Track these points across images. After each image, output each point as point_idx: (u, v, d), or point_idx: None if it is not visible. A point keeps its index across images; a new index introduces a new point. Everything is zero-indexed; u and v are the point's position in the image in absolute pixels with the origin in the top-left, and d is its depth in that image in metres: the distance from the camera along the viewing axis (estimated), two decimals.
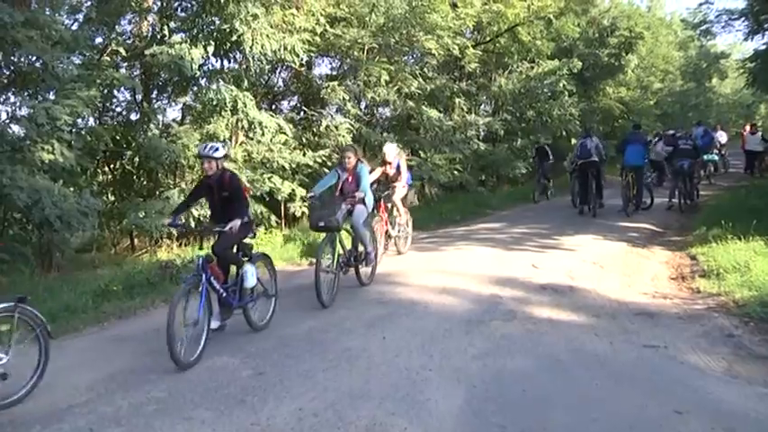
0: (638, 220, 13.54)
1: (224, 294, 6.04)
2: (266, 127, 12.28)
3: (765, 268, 7.56)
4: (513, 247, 11.08)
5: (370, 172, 9.49)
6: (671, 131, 20.04)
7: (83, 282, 8.35)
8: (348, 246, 8.12)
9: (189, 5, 12.81)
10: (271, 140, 12.56)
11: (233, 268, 6.43)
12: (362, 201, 8.03)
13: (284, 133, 12.89)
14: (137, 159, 12.27)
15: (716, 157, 21.56)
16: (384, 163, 10.32)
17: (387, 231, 10.22)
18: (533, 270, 9.05)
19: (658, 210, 14.86)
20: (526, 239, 11.85)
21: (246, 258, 6.42)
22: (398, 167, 10.26)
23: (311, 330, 6.39)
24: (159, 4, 12.60)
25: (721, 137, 23.45)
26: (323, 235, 7.92)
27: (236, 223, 5.89)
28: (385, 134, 16.61)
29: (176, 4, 12.87)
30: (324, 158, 13.40)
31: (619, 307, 7.03)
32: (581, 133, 18.37)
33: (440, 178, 16.33)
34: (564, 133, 21.69)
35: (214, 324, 5.91)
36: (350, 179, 8.17)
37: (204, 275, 5.72)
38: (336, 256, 7.59)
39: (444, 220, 15.38)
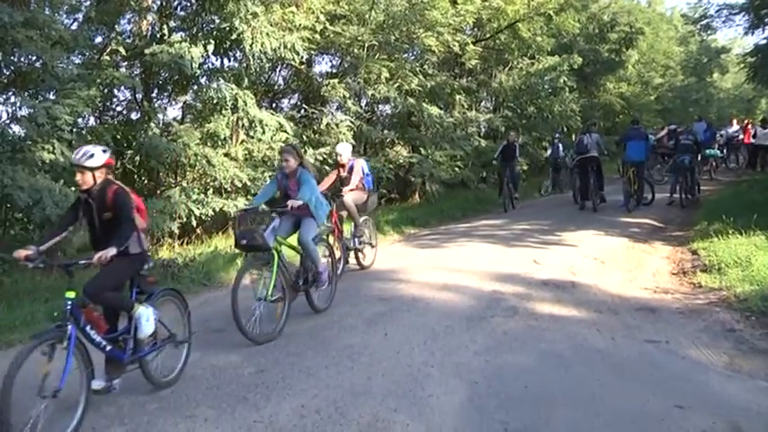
0: (640, 216, 13.54)
1: (107, 348, 4.57)
2: (267, 125, 12.27)
3: (766, 263, 7.56)
4: (514, 243, 11.09)
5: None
6: (672, 126, 20.08)
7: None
8: (296, 265, 7.02)
9: (188, 4, 12.79)
10: (271, 139, 12.54)
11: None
12: (310, 212, 6.82)
13: (285, 131, 12.87)
14: (137, 158, 12.24)
15: (718, 152, 21.52)
16: (338, 165, 9.33)
17: (344, 244, 9.00)
18: (535, 266, 9.06)
19: (659, 205, 14.86)
20: (527, 235, 11.86)
21: (143, 297, 5.00)
22: (352, 170, 9.09)
23: (313, 328, 6.40)
24: (159, 3, 12.55)
25: (735, 130, 23.27)
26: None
27: (108, 253, 4.39)
28: (386, 131, 16.62)
29: (176, 2, 12.83)
30: (325, 156, 13.39)
31: (620, 302, 7.04)
32: (581, 129, 18.37)
33: (441, 175, 16.31)
34: (566, 129, 21.66)
35: (97, 384, 4.43)
36: (292, 186, 6.89)
37: (72, 326, 4.29)
38: (273, 281, 6.25)
39: (445, 217, 15.41)
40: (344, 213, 9.16)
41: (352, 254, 9.29)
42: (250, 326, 5.90)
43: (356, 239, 9.24)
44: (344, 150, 9.31)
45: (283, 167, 6.92)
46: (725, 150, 23.44)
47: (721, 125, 26.44)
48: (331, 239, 8.51)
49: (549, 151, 20.42)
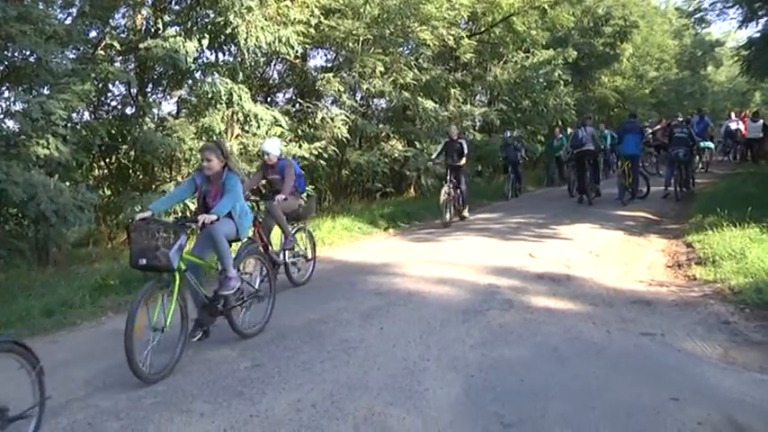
0: (635, 209, 13.58)
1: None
2: (262, 119, 12.25)
3: (760, 255, 7.58)
4: (509, 236, 11.11)
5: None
6: (674, 121, 20.12)
7: (80, 276, 8.36)
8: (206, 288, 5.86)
9: None
10: (266, 133, 12.52)
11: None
12: (233, 222, 5.79)
13: (280, 126, 12.86)
14: (132, 153, 12.22)
15: (711, 144, 21.57)
16: (265, 166, 8.07)
17: (272, 259, 7.51)
18: (530, 259, 9.08)
19: (654, 198, 14.90)
20: (523, 229, 11.89)
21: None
22: (283, 171, 7.85)
23: (309, 322, 6.40)
24: None
25: (736, 124, 23.25)
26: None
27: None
28: (381, 125, 16.62)
29: None
30: (320, 150, 13.38)
31: (616, 295, 7.05)
32: (577, 123, 18.38)
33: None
34: (560, 122, 21.68)
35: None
36: (213, 192, 5.79)
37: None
38: (173, 307, 5.11)
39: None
40: (271, 222, 8.01)
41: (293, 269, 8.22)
42: (143, 361, 4.85)
43: (286, 252, 7.98)
44: (272, 148, 7.99)
45: (204, 168, 5.73)
46: (727, 143, 23.53)
47: (716, 118, 26.45)
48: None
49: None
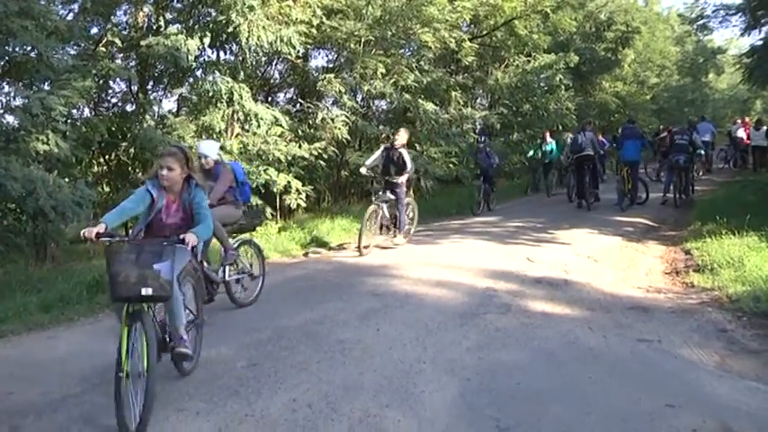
0: (633, 215, 13.58)
1: None
2: (262, 119, 12.26)
3: (759, 263, 7.59)
4: (508, 240, 11.11)
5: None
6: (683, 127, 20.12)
7: (77, 272, 8.34)
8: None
9: None
10: (266, 132, 12.54)
11: None
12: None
13: (280, 125, 12.86)
14: (132, 150, 12.22)
15: (701, 151, 21.58)
16: (203, 171, 6.77)
17: (209, 277, 6.55)
18: (528, 263, 9.07)
19: (653, 204, 14.90)
20: (521, 233, 11.88)
21: None
22: (218, 177, 6.96)
23: (306, 322, 6.39)
24: None
25: (740, 131, 23.23)
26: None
27: None
28: (381, 127, 16.61)
29: None
30: (320, 151, 13.38)
31: (613, 301, 7.05)
32: (576, 128, 18.37)
33: (435, 171, 16.31)
34: (560, 127, 21.68)
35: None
36: (172, 206, 4.92)
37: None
38: (147, 347, 4.15)
39: (439, 214, 15.41)
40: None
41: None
42: (130, 414, 4.00)
43: (226, 269, 6.91)
44: (209, 150, 7.11)
45: (161, 178, 4.80)
46: (729, 150, 23.55)
47: (717, 126, 26.48)
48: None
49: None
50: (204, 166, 6.91)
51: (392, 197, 10.45)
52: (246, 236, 7.51)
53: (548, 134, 19.87)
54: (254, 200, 11.94)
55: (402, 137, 10.87)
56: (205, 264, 6.49)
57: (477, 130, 19.27)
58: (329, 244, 11.28)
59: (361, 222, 10.13)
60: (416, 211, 11.66)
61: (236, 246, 7.07)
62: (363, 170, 10.70)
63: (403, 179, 10.37)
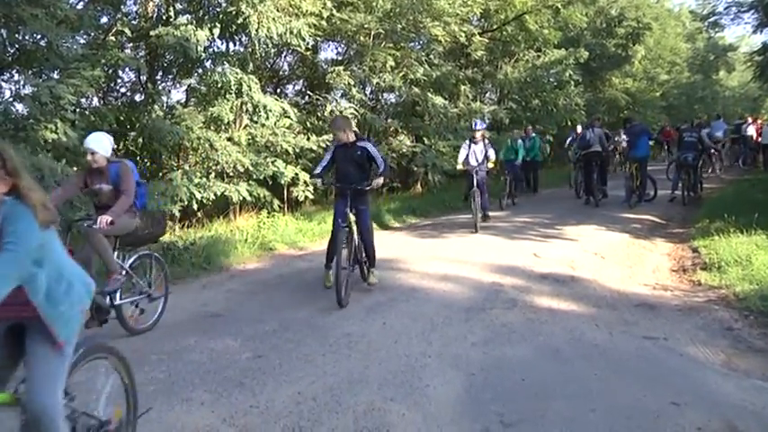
0: (641, 212, 13.54)
1: None
2: (270, 110, 12.25)
3: (766, 262, 7.56)
4: (514, 235, 11.10)
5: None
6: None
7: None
8: None
9: None
10: (275, 124, 12.54)
11: None
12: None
13: (288, 117, 12.86)
14: (140, 140, 12.23)
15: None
16: (89, 170, 5.71)
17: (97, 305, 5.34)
18: (535, 259, 9.06)
19: (661, 202, 14.85)
20: (528, 228, 11.87)
21: None
22: (117, 178, 5.64)
23: (311, 315, 6.41)
24: None
25: (750, 129, 23.15)
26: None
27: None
28: (390, 120, 16.59)
29: None
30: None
31: (619, 298, 7.03)
32: (585, 124, 18.29)
33: (443, 165, 16.28)
34: (569, 123, 21.61)
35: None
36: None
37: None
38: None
39: (447, 208, 15.42)
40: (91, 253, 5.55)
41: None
42: None
43: (112, 293, 5.61)
44: (98, 145, 5.60)
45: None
46: (741, 148, 23.49)
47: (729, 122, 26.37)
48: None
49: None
50: (92, 165, 5.60)
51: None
52: (144, 249, 6.27)
53: (530, 129, 18.87)
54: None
55: (341, 123, 7.66)
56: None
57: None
58: None
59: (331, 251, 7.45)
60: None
61: (132, 261, 5.93)
62: (314, 176, 7.80)
63: (379, 181, 7.48)
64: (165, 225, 6.81)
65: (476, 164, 12.10)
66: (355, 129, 8.12)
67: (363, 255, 7.43)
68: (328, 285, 7.32)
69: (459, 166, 12.41)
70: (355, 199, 7.28)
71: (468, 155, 12.26)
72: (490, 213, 12.84)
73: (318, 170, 7.61)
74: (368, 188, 7.34)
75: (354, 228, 7.23)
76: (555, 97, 20.98)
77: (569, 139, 19.09)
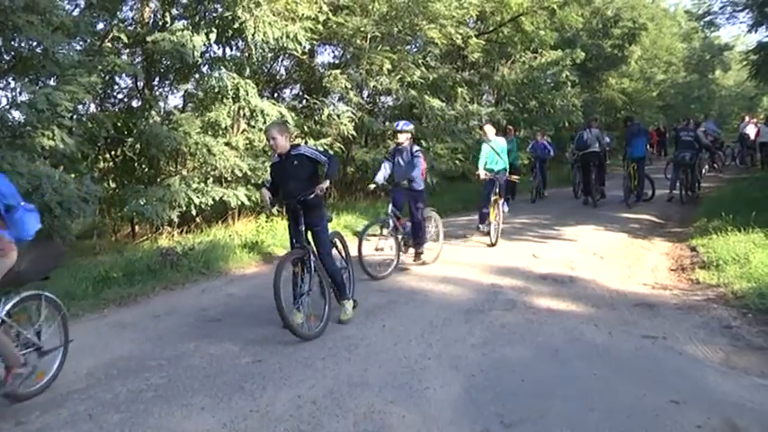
0: (639, 212, 13.55)
1: None
2: (268, 115, 12.24)
3: (764, 260, 7.56)
4: (513, 236, 11.10)
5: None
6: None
7: (83, 268, 8.38)
8: None
9: None
10: None
11: None
12: None
13: (286, 121, 12.86)
14: (138, 146, 12.22)
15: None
16: None
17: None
18: (534, 260, 9.07)
19: (659, 201, 14.86)
20: (527, 229, 11.88)
21: None
22: None
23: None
24: None
25: (749, 129, 23.16)
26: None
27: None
28: (387, 123, 16.58)
29: None
30: (326, 147, 13.37)
31: (618, 297, 7.04)
32: (582, 125, 18.28)
33: (441, 167, 16.26)
34: (566, 124, 21.60)
35: None
36: None
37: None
38: None
39: (445, 210, 15.37)
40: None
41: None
42: None
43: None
44: None
45: None
46: (740, 147, 23.52)
47: (723, 123, 26.44)
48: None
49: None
50: None
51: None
52: (30, 290, 4.69)
53: (511, 129, 17.38)
54: (259, 196, 11.93)
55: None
56: None
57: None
58: None
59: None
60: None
61: (12, 305, 4.46)
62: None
63: (325, 185, 6.15)
64: (62, 256, 5.58)
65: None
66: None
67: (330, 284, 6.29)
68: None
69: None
70: (306, 215, 6.16)
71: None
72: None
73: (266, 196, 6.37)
74: (312, 196, 6.01)
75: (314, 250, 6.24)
76: (552, 98, 20.96)
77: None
